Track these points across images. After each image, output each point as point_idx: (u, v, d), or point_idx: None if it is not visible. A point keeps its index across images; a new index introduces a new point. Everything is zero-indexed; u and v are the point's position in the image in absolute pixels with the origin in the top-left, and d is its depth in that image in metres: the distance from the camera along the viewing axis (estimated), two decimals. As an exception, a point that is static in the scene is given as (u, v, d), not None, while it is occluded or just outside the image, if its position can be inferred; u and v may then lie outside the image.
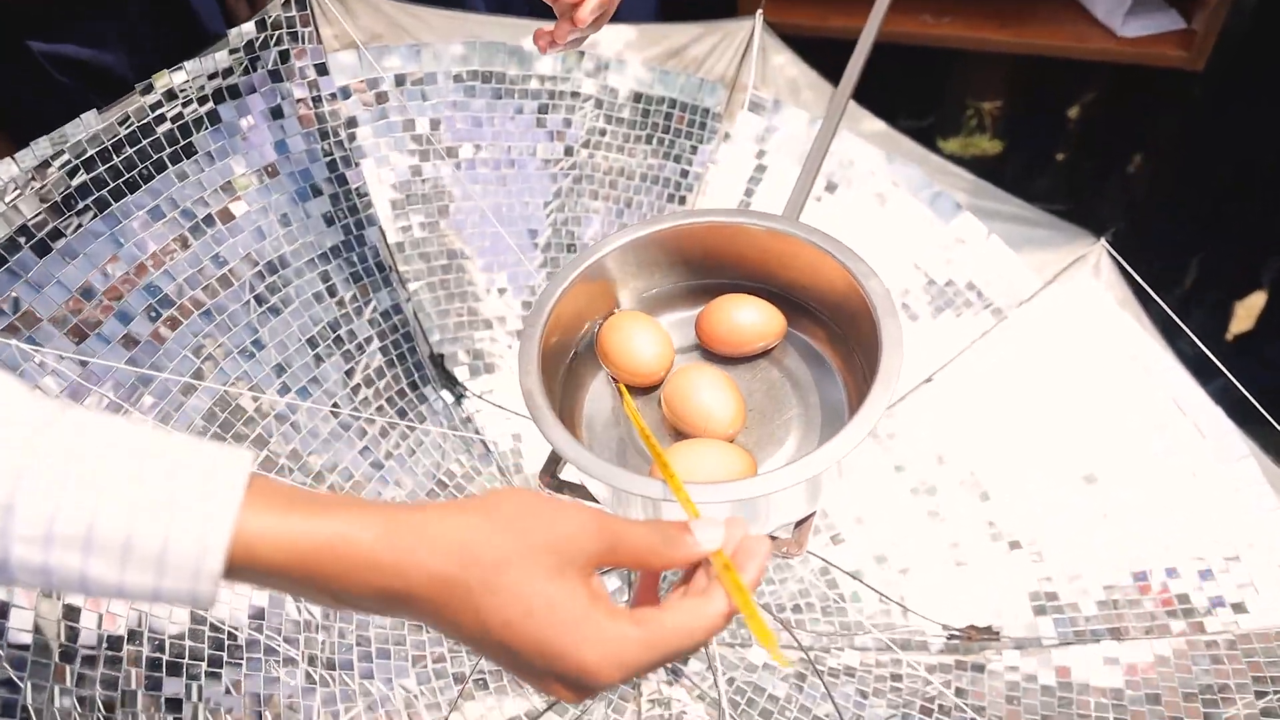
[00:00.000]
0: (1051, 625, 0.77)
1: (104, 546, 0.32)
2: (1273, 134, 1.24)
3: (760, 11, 0.95)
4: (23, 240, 0.59)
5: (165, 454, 0.33)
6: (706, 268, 0.60)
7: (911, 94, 1.67)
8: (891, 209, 0.94)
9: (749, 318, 0.56)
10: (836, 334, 0.58)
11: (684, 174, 0.96)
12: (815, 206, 0.94)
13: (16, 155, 0.58)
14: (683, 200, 0.96)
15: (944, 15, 1.28)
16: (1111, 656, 0.73)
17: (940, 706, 0.71)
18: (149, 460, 0.32)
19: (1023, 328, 0.90)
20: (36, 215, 0.59)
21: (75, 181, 0.61)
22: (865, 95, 0.81)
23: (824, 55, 0.98)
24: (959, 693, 0.72)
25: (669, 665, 0.73)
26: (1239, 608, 0.73)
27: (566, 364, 0.56)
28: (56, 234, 0.60)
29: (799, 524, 0.52)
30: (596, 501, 0.52)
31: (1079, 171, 1.72)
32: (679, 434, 0.52)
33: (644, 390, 0.55)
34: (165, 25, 0.88)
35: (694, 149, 0.95)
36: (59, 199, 0.60)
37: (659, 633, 0.38)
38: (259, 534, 0.33)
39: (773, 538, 0.51)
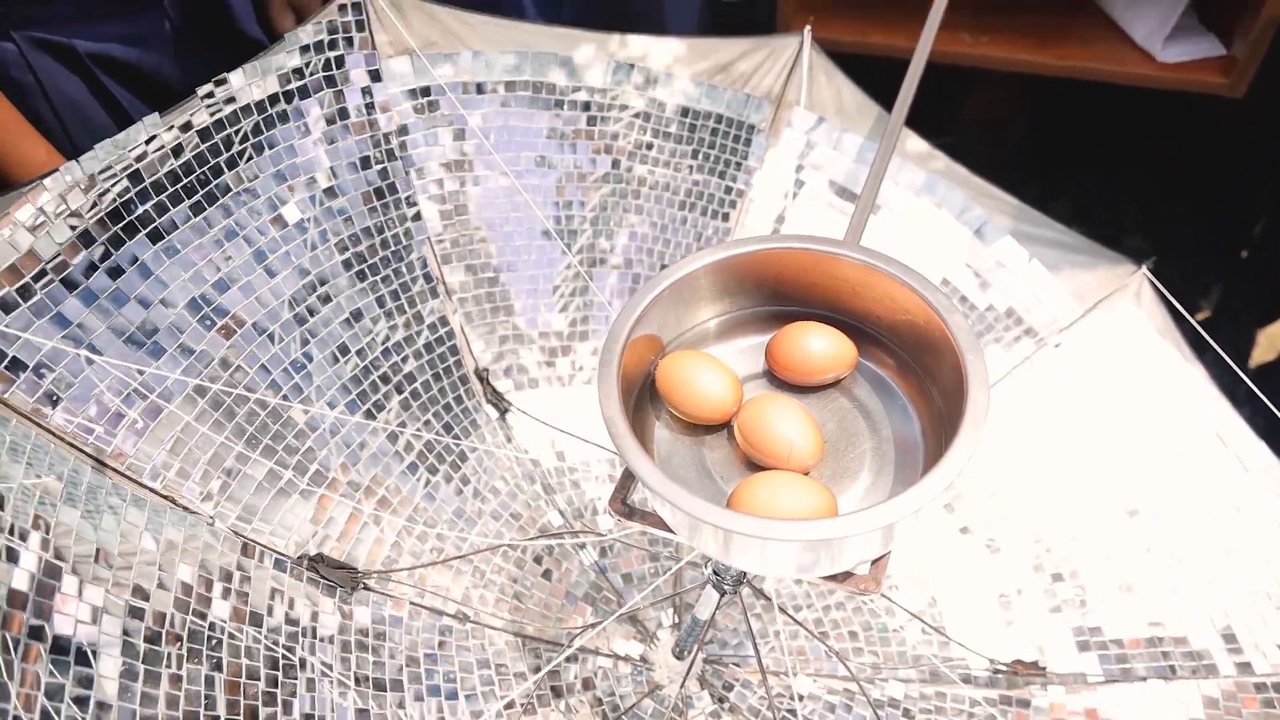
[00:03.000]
0: (1096, 662, 0.76)
1: None
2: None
3: (809, 28, 0.94)
4: (83, 247, 0.58)
5: None
6: (776, 294, 0.59)
7: (928, 112, 1.66)
8: (931, 230, 0.93)
9: (821, 346, 0.55)
10: (907, 365, 0.57)
11: (728, 190, 0.95)
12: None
13: (80, 160, 0.56)
14: (725, 216, 0.96)
15: (982, 35, 1.28)
16: (1158, 696, 0.73)
17: (987, 741, 0.70)
18: None
19: (1063, 355, 0.90)
20: (94, 220, 0.58)
21: (136, 188, 0.60)
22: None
23: (864, 71, 0.97)
24: (1006, 727, 0.72)
25: (717, 695, 0.72)
26: (1290, 648, 0.72)
27: (639, 387, 0.55)
28: (117, 240, 0.59)
29: (875, 562, 0.51)
30: (670, 531, 0.51)
31: (1100, 195, 1.71)
32: (754, 466, 0.51)
33: (713, 426, 0.54)
34: (204, 27, 0.87)
35: (739, 165, 0.95)
36: (119, 205, 0.59)
37: None
38: None
39: (849, 573, 0.50)
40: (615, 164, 0.88)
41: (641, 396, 0.55)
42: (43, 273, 0.56)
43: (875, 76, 0.99)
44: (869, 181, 0.70)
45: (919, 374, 0.56)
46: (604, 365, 0.50)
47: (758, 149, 0.95)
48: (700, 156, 0.93)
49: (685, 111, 0.91)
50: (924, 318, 0.53)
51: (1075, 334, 0.90)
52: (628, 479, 0.53)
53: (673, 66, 0.89)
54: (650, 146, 0.90)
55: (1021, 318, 0.92)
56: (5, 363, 0.54)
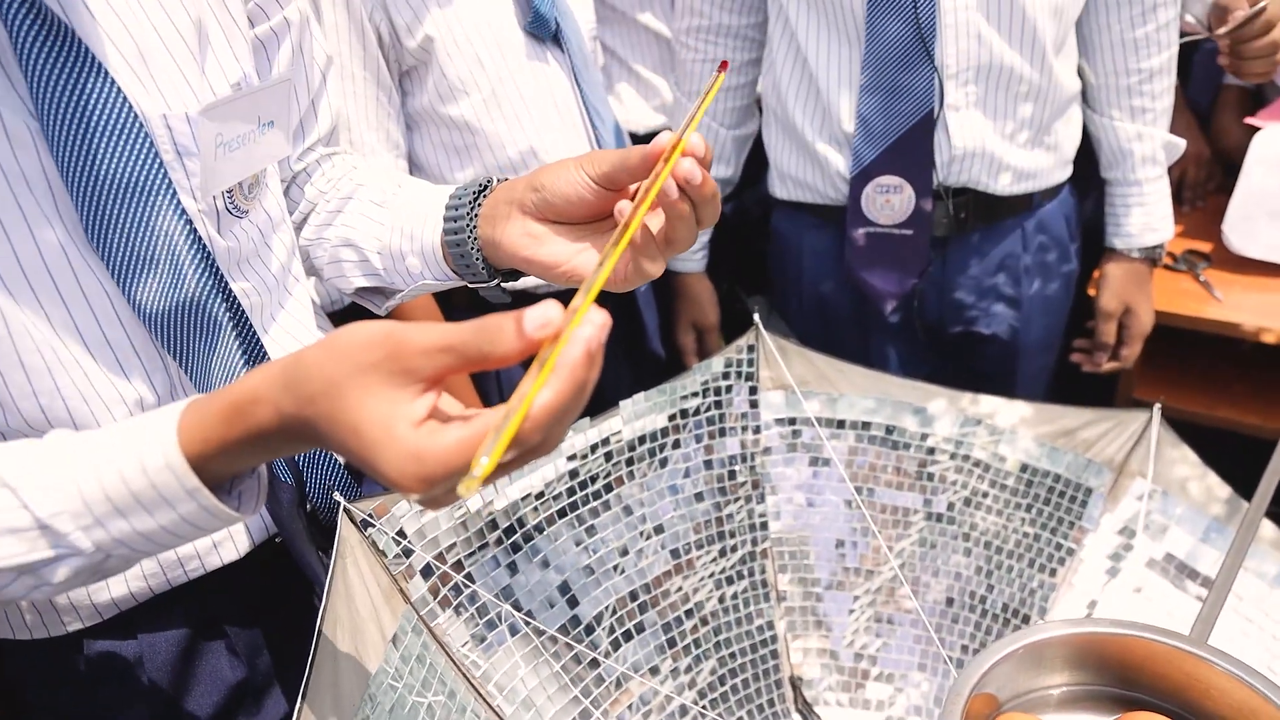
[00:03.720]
0: None
1: (123, 505, 0.47)
2: None
3: (1158, 406, 0.97)
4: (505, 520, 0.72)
5: (119, 441, 0.48)
6: (1123, 677, 0.61)
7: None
8: (1285, 629, 0.88)
9: (1167, 743, 0.56)
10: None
11: (1058, 546, 0.97)
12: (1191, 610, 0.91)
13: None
14: (1053, 572, 0.97)
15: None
16: None
17: None
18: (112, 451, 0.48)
19: None
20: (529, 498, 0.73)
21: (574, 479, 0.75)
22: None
23: (1209, 443, 0.98)
24: None
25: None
26: None
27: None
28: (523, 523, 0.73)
29: None
30: None
31: None
32: None
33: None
34: (621, 338, 1.07)
35: (1072, 524, 0.97)
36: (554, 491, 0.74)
37: (438, 443, 0.40)
38: (196, 438, 0.47)
39: None
40: (950, 505, 0.94)
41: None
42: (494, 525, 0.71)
43: (1222, 450, 0.99)
44: (1222, 574, 0.70)
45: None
46: (948, 715, 0.54)
47: (1093, 511, 0.97)
48: (1034, 511, 0.96)
49: (1024, 467, 0.96)
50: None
51: None
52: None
53: (1018, 426, 0.95)
54: (985, 495, 0.95)
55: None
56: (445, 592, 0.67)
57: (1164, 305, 1.39)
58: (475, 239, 0.68)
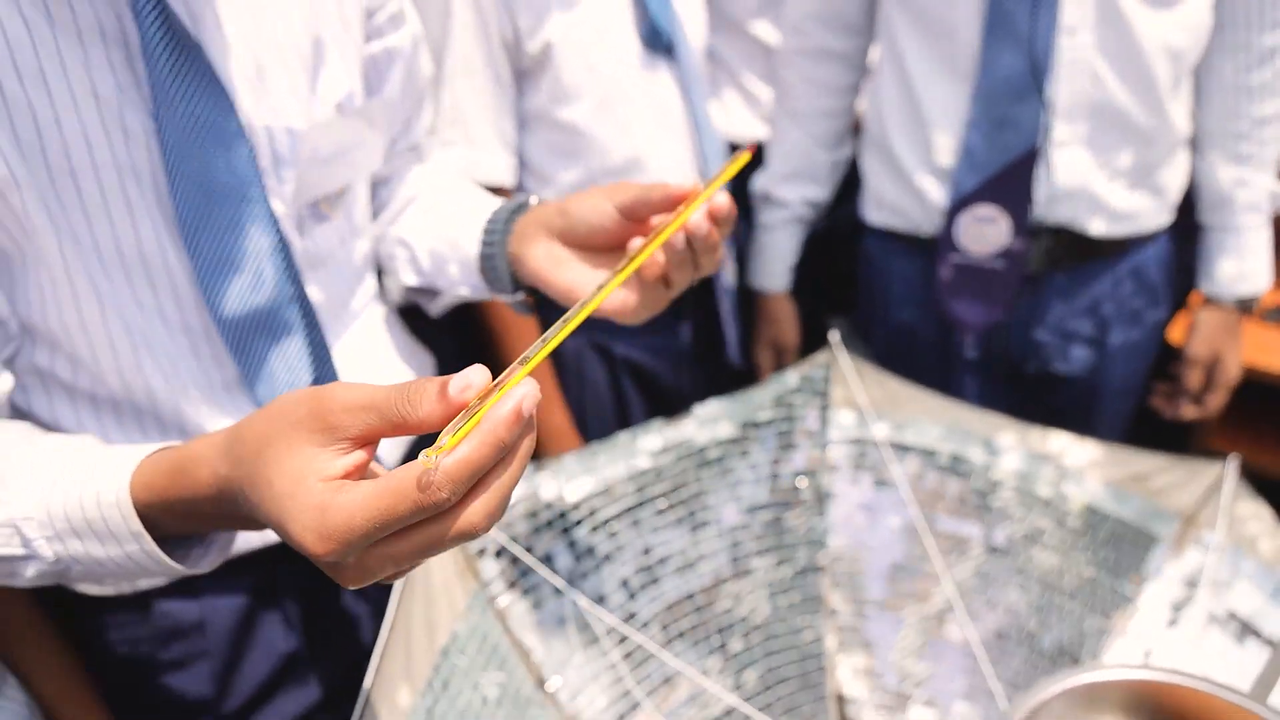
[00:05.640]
0: None
1: (78, 528, 0.51)
2: None
3: (1234, 457, 0.96)
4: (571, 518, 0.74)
5: (89, 466, 0.52)
6: (1170, 726, 0.61)
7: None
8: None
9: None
10: None
11: (1114, 591, 0.96)
12: (1251, 669, 0.90)
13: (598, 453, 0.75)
14: (1108, 615, 0.96)
15: None
16: None
17: None
18: (80, 474, 0.52)
19: None
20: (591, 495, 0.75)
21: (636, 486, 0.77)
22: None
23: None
24: None
25: None
26: None
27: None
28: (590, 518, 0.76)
29: None
30: None
31: None
32: None
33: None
34: (704, 350, 1.10)
35: (1133, 570, 0.96)
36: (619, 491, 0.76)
37: (344, 498, 0.38)
38: (144, 484, 0.49)
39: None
40: (1010, 539, 0.94)
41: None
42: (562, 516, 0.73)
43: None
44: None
45: None
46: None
47: (1156, 560, 0.96)
48: (1094, 553, 0.96)
49: (1090, 510, 0.95)
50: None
51: None
52: None
53: (1087, 467, 0.95)
54: (1046, 532, 0.95)
55: None
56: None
57: (1250, 358, 1.36)
58: (505, 253, 0.71)
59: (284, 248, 0.66)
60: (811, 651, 0.88)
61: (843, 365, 0.89)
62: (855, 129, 1.41)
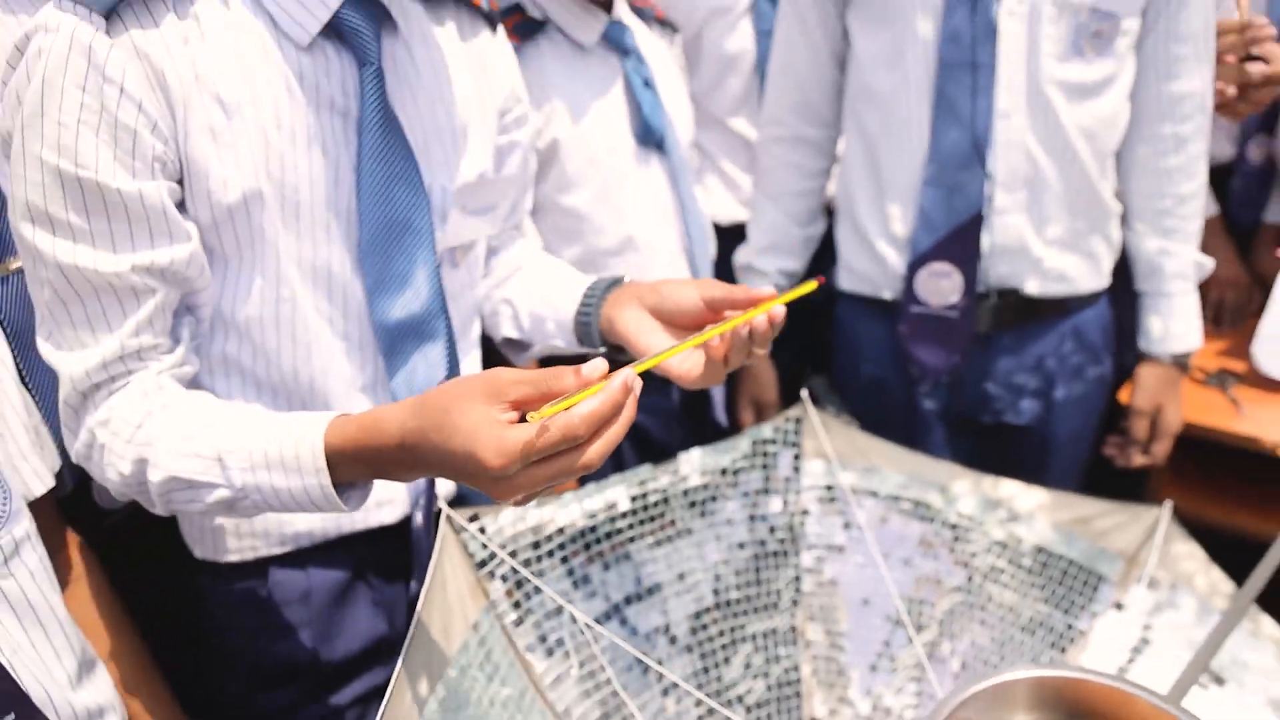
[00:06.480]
0: None
1: (272, 461, 0.66)
2: None
3: (1169, 503, 1.06)
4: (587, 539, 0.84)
5: (288, 420, 0.69)
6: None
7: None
8: (1282, 720, 0.94)
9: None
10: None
11: (1069, 627, 1.05)
12: (1200, 695, 0.98)
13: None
14: (1064, 650, 1.05)
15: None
16: None
17: None
18: (281, 423, 0.69)
19: None
20: (593, 526, 0.85)
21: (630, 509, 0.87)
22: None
23: (1225, 551, 1.05)
24: None
25: None
26: None
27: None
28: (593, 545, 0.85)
29: None
30: None
31: None
32: None
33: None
34: (692, 408, 1.21)
35: (1083, 607, 1.05)
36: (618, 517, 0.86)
37: (518, 429, 0.57)
38: (336, 433, 0.65)
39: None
40: (969, 579, 1.03)
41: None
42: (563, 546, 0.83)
43: (1236, 557, 1.06)
44: (1205, 644, 0.79)
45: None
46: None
47: (1104, 596, 1.05)
48: (1047, 590, 1.05)
49: (1040, 550, 1.05)
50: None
51: None
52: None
53: (1036, 511, 1.05)
54: (1003, 572, 1.04)
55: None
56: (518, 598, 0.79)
57: (1192, 417, 1.47)
58: (599, 314, 0.89)
59: (438, 273, 0.85)
60: (789, 679, 0.96)
61: (813, 419, 0.99)
62: (827, 210, 1.55)
